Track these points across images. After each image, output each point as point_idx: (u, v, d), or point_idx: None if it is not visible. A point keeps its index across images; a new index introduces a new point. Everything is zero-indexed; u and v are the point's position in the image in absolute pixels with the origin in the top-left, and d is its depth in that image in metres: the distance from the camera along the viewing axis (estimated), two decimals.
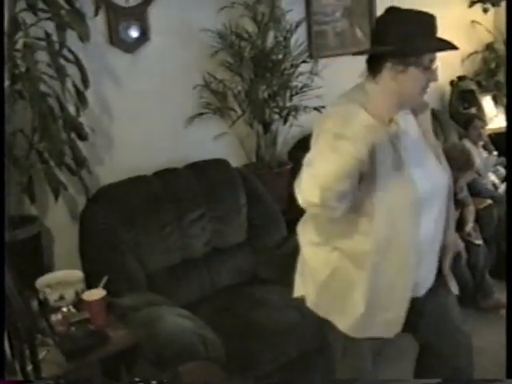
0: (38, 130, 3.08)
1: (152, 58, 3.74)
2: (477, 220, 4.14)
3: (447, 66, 5.50)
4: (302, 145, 4.34)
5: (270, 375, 2.97)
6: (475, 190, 4.42)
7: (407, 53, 2.05)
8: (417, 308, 2.24)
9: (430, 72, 2.10)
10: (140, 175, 3.53)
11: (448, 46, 2.08)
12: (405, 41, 2.04)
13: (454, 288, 2.41)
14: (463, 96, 5.42)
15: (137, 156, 3.65)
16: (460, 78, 5.52)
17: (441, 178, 2.25)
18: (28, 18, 2.97)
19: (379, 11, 4.96)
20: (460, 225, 3.98)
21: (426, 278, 2.30)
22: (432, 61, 2.10)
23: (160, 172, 3.57)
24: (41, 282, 3.02)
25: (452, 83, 5.53)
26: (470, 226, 4.10)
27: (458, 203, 4.02)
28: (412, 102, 2.19)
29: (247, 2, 3.90)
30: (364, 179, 2.03)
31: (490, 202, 4.35)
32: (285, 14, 4.01)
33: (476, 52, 5.71)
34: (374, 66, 2.13)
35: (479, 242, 4.11)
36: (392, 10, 2.14)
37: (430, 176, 2.19)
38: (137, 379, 2.56)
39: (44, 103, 2.99)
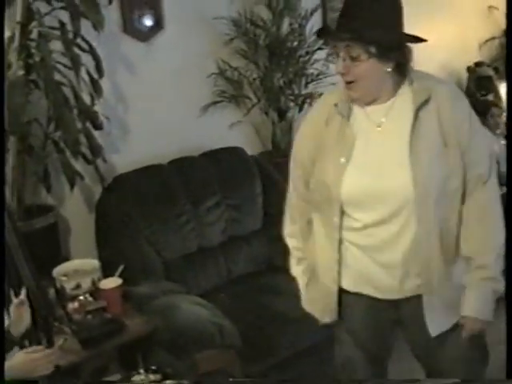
0: (53, 120, 3.09)
1: (166, 46, 3.73)
2: None
3: (464, 52, 5.47)
4: None
5: (286, 363, 2.97)
6: None
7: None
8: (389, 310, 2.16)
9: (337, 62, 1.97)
10: (155, 164, 3.53)
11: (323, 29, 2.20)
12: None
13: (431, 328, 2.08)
14: (480, 82, 5.34)
15: (152, 145, 3.65)
16: (477, 64, 5.44)
17: (397, 188, 1.98)
18: (42, 7, 2.97)
19: None
20: None
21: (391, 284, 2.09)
22: (337, 48, 1.96)
23: (175, 160, 3.57)
24: (58, 270, 3.03)
25: (469, 69, 5.46)
26: None
27: None
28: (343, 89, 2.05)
29: None
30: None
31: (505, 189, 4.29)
32: (300, 0, 3.98)
33: (493, 38, 5.63)
34: None
35: None
36: None
37: (373, 179, 2.01)
38: (153, 367, 2.57)
39: (59, 92, 2.99)
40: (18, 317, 2.45)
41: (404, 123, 1.98)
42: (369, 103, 2.03)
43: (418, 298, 2.07)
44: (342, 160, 2.02)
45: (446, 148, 1.98)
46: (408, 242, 2.01)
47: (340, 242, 2.10)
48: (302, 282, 2.26)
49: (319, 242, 2.19)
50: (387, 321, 2.22)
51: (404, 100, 2.01)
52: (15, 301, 2.49)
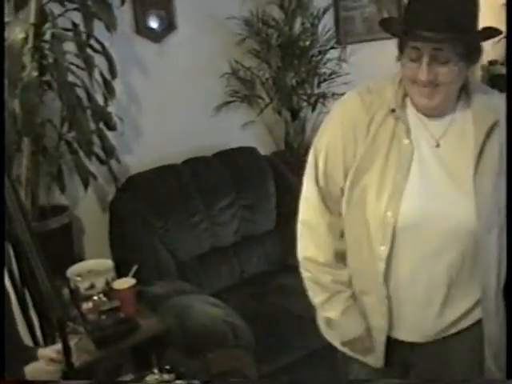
0: (67, 121, 3.11)
1: (179, 47, 3.74)
2: None
3: None
4: None
5: (299, 363, 2.96)
6: None
7: (398, 33, 1.71)
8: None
9: (415, 66, 1.66)
10: (169, 164, 3.54)
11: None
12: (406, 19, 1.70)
13: None
14: (494, 81, 5.32)
15: (165, 145, 3.66)
16: (491, 63, 5.42)
17: (459, 218, 1.74)
18: (55, 8, 2.98)
19: None
20: None
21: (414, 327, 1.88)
22: (419, 52, 1.64)
23: (189, 160, 3.58)
24: (72, 270, 3.05)
25: (483, 67, 5.43)
26: None
27: None
28: (416, 100, 1.75)
29: None
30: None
31: None
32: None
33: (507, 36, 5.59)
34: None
35: None
36: None
37: (435, 206, 1.74)
38: (167, 367, 2.57)
39: (72, 93, 3.01)
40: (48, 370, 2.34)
41: (466, 145, 1.75)
42: (433, 116, 1.77)
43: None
44: (399, 177, 1.73)
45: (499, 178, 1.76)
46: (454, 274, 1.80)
47: (385, 276, 1.81)
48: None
49: (356, 274, 1.91)
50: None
51: (464, 117, 1.77)
52: (45, 351, 2.35)
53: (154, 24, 3.65)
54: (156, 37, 3.67)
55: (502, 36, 5.10)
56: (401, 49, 1.70)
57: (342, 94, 3.85)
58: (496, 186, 1.74)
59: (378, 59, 4.65)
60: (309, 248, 1.91)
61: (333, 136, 1.83)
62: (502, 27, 5.23)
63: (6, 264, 2.84)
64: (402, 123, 1.75)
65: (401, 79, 1.77)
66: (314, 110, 4.03)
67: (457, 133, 1.76)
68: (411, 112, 1.77)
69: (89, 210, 3.53)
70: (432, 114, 1.76)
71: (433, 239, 1.75)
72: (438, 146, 1.75)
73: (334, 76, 4.06)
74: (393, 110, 1.75)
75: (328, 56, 4.04)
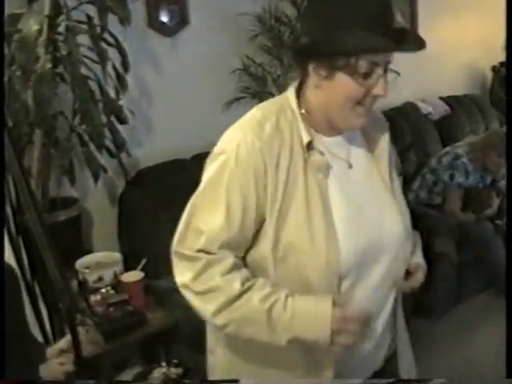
0: (79, 113, 3.11)
1: (191, 42, 3.74)
2: None
3: (488, 52, 5.43)
4: None
5: None
6: None
7: (325, 52, 1.42)
8: None
9: (371, 82, 1.44)
10: (178, 158, 3.55)
11: (391, 45, 1.41)
12: (326, 33, 1.41)
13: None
14: (505, 82, 5.31)
15: (175, 139, 3.66)
16: (502, 64, 5.41)
17: (394, 233, 1.60)
18: (70, 1, 2.98)
19: None
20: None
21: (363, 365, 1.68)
22: (375, 66, 1.43)
23: (198, 155, 3.58)
24: (80, 263, 3.07)
25: (494, 69, 5.43)
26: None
27: (499, 191, 3.99)
28: (340, 123, 1.52)
29: None
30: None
31: None
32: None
33: None
34: (299, 69, 1.54)
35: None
36: None
37: (372, 232, 1.56)
38: (174, 361, 2.59)
39: (85, 86, 3.01)
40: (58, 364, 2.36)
41: (371, 155, 1.64)
42: (332, 135, 1.58)
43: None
44: (328, 217, 1.49)
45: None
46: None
47: None
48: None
49: None
50: None
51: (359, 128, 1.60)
52: (55, 346, 2.37)
53: (166, 18, 3.66)
54: (168, 31, 3.68)
55: None
56: (336, 68, 1.43)
57: None
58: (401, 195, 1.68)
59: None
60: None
61: (243, 182, 1.48)
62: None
63: (15, 256, 2.86)
64: (318, 155, 1.51)
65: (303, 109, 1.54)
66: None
67: (359, 146, 1.62)
68: (318, 140, 1.55)
69: (98, 203, 3.53)
70: (336, 133, 1.58)
71: (381, 266, 1.59)
72: (350, 167, 1.59)
73: None
74: (308, 144, 1.50)
75: None
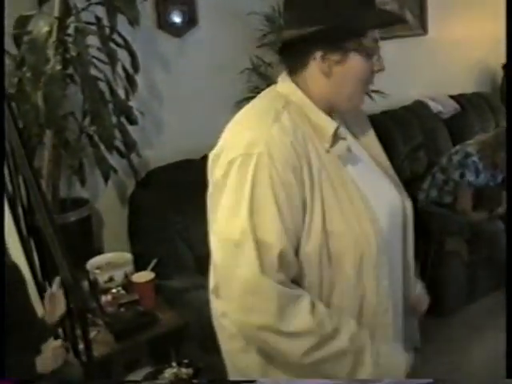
0: (89, 114, 3.13)
1: (200, 42, 3.75)
2: None
3: (499, 50, 5.39)
4: None
5: None
6: None
7: (348, 31, 1.43)
8: None
9: (373, 59, 1.47)
10: (188, 159, 3.55)
11: (397, 17, 1.56)
12: (340, 15, 1.41)
13: None
14: (506, 83, 5.29)
15: (185, 140, 3.67)
16: None
17: (399, 206, 1.61)
18: (79, 2, 2.99)
19: None
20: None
21: None
22: (376, 42, 1.47)
23: (208, 156, 3.58)
24: (91, 263, 3.07)
25: (504, 67, 5.39)
26: None
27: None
28: (347, 105, 1.54)
29: None
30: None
31: None
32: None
33: None
34: (296, 60, 1.51)
35: None
36: None
37: (387, 204, 1.56)
38: (185, 361, 2.60)
39: (95, 87, 3.02)
40: (52, 305, 2.50)
41: (367, 127, 1.69)
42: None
43: None
44: (363, 198, 1.49)
45: None
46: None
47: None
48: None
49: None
50: None
51: None
52: (48, 291, 2.54)
53: (175, 19, 3.66)
54: (177, 32, 3.68)
55: None
56: (349, 50, 1.44)
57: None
58: None
59: (398, 55, 4.66)
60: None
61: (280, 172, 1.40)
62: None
63: (26, 256, 2.88)
64: (341, 141, 1.49)
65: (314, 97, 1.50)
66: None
67: (352, 117, 1.65)
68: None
69: (108, 204, 3.54)
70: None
71: (404, 246, 1.63)
72: (357, 138, 1.62)
73: None
74: (335, 131, 1.47)
75: None
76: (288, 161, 1.39)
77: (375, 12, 1.47)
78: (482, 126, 4.86)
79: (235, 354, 1.61)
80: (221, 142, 1.53)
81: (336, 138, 1.48)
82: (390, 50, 4.53)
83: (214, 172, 1.48)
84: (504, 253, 3.70)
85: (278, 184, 1.38)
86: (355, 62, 1.45)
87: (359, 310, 1.49)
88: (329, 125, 1.48)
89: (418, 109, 4.77)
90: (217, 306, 1.60)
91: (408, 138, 4.52)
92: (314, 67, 1.47)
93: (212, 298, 1.63)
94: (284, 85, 1.54)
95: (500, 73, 5.43)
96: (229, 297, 1.43)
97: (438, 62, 5.03)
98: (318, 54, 1.45)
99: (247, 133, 1.45)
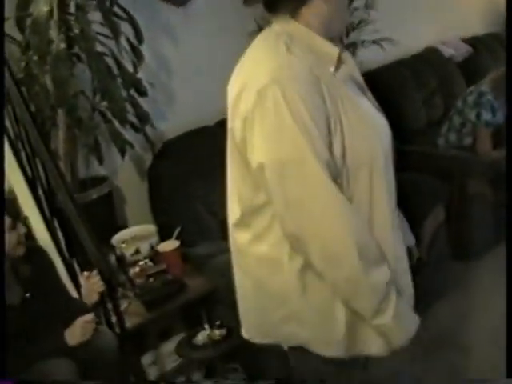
0: (99, 91, 3.13)
1: (203, 9, 3.72)
2: None
3: None
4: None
5: None
6: None
7: None
8: None
9: None
10: (203, 126, 3.55)
11: None
12: None
13: None
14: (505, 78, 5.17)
15: (198, 108, 3.65)
16: None
17: (388, 129, 1.68)
18: None
19: None
20: None
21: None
22: None
23: (223, 121, 3.56)
24: (116, 238, 3.10)
25: None
26: None
27: None
28: (341, 27, 1.72)
29: None
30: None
31: None
32: None
33: None
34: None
35: None
36: None
37: (381, 125, 1.67)
38: (217, 323, 2.62)
39: (101, 63, 3.01)
40: (89, 287, 2.53)
41: (348, 57, 1.70)
42: None
43: None
44: (367, 113, 1.61)
45: None
46: None
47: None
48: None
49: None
50: None
51: None
52: (85, 273, 2.57)
53: None
54: (180, 1, 3.64)
55: None
56: None
57: (373, 41, 3.90)
58: None
59: (403, 4, 4.58)
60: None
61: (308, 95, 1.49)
62: None
63: (52, 236, 2.92)
64: (344, 65, 1.61)
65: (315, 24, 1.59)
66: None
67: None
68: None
69: (128, 179, 3.56)
70: None
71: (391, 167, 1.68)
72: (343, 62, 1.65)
73: (362, 24, 3.99)
74: (338, 59, 1.58)
75: (355, 5, 3.96)
76: (312, 82, 1.47)
77: None
78: (497, 65, 4.76)
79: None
80: (239, 80, 1.59)
81: (339, 62, 1.57)
82: None
83: (240, 107, 1.52)
84: None
85: (310, 103, 1.45)
86: None
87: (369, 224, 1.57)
88: (333, 50, 1.57)
89: (429, 55, 4.71)
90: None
91: (422, 86, 4.46)
92: (314, 1, 1.55)
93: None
94: (283, 24, 1.59)
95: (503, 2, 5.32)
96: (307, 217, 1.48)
97: (445, 5, 4.94)
98: None
99: (267, 63, 1.52)
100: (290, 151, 1.45)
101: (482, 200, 3.63)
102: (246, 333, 1.79)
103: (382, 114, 1.70)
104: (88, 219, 2.64)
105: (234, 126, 1.58)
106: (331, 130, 1.49)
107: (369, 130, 1.56)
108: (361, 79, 1.71)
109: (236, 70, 1.67)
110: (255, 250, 1.64)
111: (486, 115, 3.78)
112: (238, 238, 1.69)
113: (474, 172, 3.68)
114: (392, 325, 1.54)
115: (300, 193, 1.47)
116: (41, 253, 2.65)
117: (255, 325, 1.75)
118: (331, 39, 1.61)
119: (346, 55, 1.64)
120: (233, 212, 1.69)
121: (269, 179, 1.49)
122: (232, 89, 1.62)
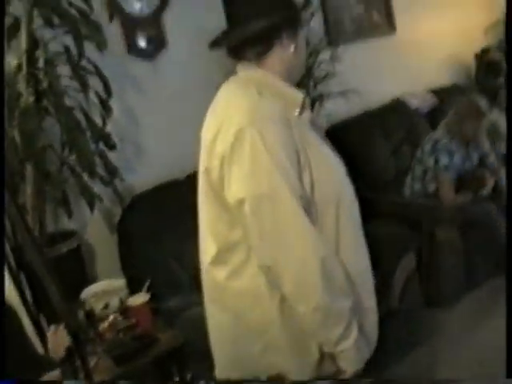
0: (67, 144, 3.11)
1: (171, 63, 3.76)
2: None
3: (470, 40, 5.44)
4: (331, 134, 4.32)
5: None
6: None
7: (299, 14, 1.82)
8: None
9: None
10: (173, 180, 3.55)
11: None
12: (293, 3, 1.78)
13: None
14: (489, 68, 5.32)
15: (167, 161, 3.66)
16: (484, 51, 5.42)
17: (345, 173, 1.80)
18: (46, 33, 2.99)
19: None
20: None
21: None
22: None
23: (192, 174, 3.57)
24: (85, 293, 3.04)
25: (477, 56, 5.44)
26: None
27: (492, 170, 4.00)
28: (300, 73, 1.87)
29: None
30: None
31: None
32: (300, 3, 3.99)
33: (497, 22, 5.61)
34: (260, 47, 1.72)
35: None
36: None
37: (340, 166, 1.79)
38: (188, 376, 2.57)
39: (70, 117, 3.02)
40: (56, 342, 2.48)
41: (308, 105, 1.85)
42: None
43: None
44: (329, 152, 1.76)
45: None
46: None
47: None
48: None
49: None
50: None
51: None
52: (52, 327, 2.51)
53: (144, 43, 3.67)
54: (148, 55, 3.69)
55: (492, 22, 5.04)
56: (295, 36, 1.75)
57: (340, 92, 3.96)
58: None
59: (369, 57, 4.69)
60: None
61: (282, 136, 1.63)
62: (492, 12, 5.17)
63: (18, 292, 2.85)
64: (306, 110, 1.75)
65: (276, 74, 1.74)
66: (312, 111, 4.03)
67: None
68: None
69: (97, 232, 3.52)
70: None
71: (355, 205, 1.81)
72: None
73: (328, 77, 4.06)
74: (302, 103, 1.72)
75: (321, 58, 4.04)
76: (284, 123, 1.62)
77: None
78: None
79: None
80: (213, 123, 1.72)
81: (303, 106, 1.72)
82: (363, 51, 4.63)
83: (217, 149, 1.63)
84: (499, 235, 3.71)
85: (284, 143, 1.59)
86: (302, 37, 1.78)
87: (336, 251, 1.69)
88: (298, 94, 1.73)
89: (396, 106, 4.80)
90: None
91: (390, 136, 4.54)
92: (279, 48, 1.71)
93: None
94: (249, 71, 1.74)
95: (473, 62, 5.47)
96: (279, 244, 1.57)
97: (411, 57, 5.06)
98: (280, 40, 1.70)
99: (242, 106, 1.65)
100: (267, 187, 1.56)
101: (451, 247, 3.66)
102: (221, 373, 1.83)
103: (341, 160, 1.80)
104: (57, 274, 2.58)
105: (210, 166, 1.66)
106: (301, 167, 1.60)
107: (333, 170, 1.71)
108: (320, 126, 1.81)
109: (209, 114, 1.82)
110: (234, 285, 1.70)
111: (444, 159, 3.89)
112: (215, 275, 1.74)
113: (441, 219, 3.71)
114: (353, 349, 1.63)
115: (275, 225, 1.57)
116: (7, 311, 2.58)
117: (232, 360, 1.79)
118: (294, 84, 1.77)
119: (308, 101, 1.77)
120: (208, 251, 1.76)
121: (246, 213, 1.58)
122: (206, 132, 1.75)
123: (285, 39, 1.71)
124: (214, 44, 1.90)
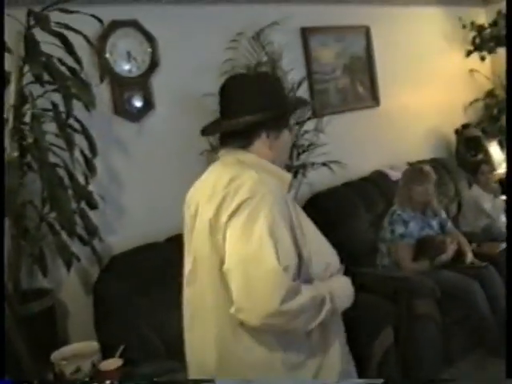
0: (48, 201, 3.08)
1: (157, 125, 3.78)
2: (495, 264, 4.03)
3: (451, 116, 5.57)
4: (313, 203, 4.33)
5: None
6: (491, 235, 4.38)
7: (284, 114, 1.95)
8: None
9: (292, 131, 2.12)
10: (152, 242, 3.51)
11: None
12: (280, 104, 1.91)
13: None
14: (469, 143, 5.43)
15: (148, 223, 3.64)
16: (464, 126, 5.54)
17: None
18: (35, 89, 3.00)
19: (378, 66, 5.06)
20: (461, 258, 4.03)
21: None
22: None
23: (172, 238, 3.54)
24: (56, 355, 2.95)
25: (457, 132, 5.55)
26: (470, 256, 4.07)
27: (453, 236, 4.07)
28: (282, 164, 2.01)
29: (248, 65, 3.95)
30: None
31: (505, 245, 4.19)
32: (286, 73, 4.05)
33: (477, 100, 5.75)
34: (241, 141, 1.89)
35: (484, 263, 4.03)
36: (243, 78, 2.16)
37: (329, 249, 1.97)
38: None
39: (53, 173, 2.99)
40: None
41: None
42: None
43: None
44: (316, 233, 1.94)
45: None
46: None
47: None
48: None
49: None
50: None
51: None
52: None
53: (131, 104, 3.68)
54: (134, 116, 3.71)
55: (472, 100, 5.18)
56: (285, 125, 1.95)
57: (323, 163, 3.99)
58: None
59: (352, 128, 4.76)
60: None
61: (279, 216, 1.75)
62: (472, 90, 5.32)
63: None
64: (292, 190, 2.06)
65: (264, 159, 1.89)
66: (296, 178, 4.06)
67: None
68: None
69: (72, 292, 3.45)
70: None
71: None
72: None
73: (312, 147, 4.10)
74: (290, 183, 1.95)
75: (305, 128, 4.08)
76: (282, 198, 1.78)
77: (292, 97, 2.24)
78: (441, 189, 4.91)
79: None
80: (206, 194, 1.89)
81: (290, 186, 1.93)
82: (346, 122, 4.69)
83: (221, 218, 1.76)
84: (477, 308, 3.70)
85: (282, 215, 1.73)
86: (287, 135, 1.95)
87: None
88: (287, 174, 1.95)
89: (377, 178, 4.84)
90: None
91: (370, 208, 4.55)
92: (259, 144, 1.88)
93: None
94: (238, 155, 1.89)
95: (454, 138, 5.58)
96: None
97: (393, 131, 5.15)
98: (264, 135, 1.88)
99: (246, 181, 1.76)
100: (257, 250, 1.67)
101: (429, 321, 3.62)
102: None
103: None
104: (28, 333, 2.52)
105: (215, 239, 1.81)
106: (298, 239, 1.75)
107: (324, 243, 1.89)
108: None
109: (196, 191, 2.11)
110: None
111: (399, 229, 3.96)
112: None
113: (419, 292, 3.68)
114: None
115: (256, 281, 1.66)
116: None
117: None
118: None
119: (293, 180, 2.06)
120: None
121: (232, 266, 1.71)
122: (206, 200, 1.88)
123: (268, 135, 1.88)
124: (204, 132, 2.12)
